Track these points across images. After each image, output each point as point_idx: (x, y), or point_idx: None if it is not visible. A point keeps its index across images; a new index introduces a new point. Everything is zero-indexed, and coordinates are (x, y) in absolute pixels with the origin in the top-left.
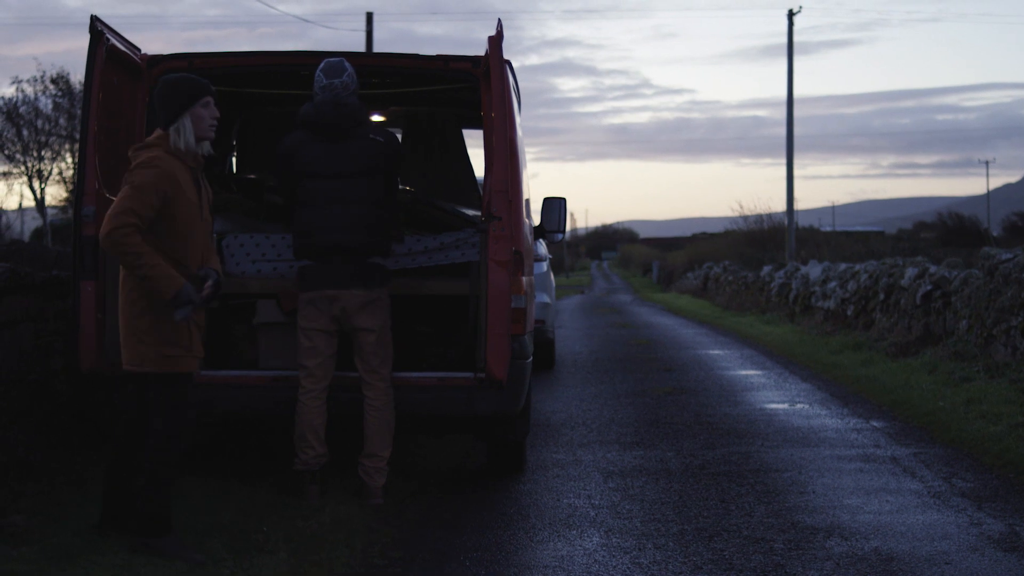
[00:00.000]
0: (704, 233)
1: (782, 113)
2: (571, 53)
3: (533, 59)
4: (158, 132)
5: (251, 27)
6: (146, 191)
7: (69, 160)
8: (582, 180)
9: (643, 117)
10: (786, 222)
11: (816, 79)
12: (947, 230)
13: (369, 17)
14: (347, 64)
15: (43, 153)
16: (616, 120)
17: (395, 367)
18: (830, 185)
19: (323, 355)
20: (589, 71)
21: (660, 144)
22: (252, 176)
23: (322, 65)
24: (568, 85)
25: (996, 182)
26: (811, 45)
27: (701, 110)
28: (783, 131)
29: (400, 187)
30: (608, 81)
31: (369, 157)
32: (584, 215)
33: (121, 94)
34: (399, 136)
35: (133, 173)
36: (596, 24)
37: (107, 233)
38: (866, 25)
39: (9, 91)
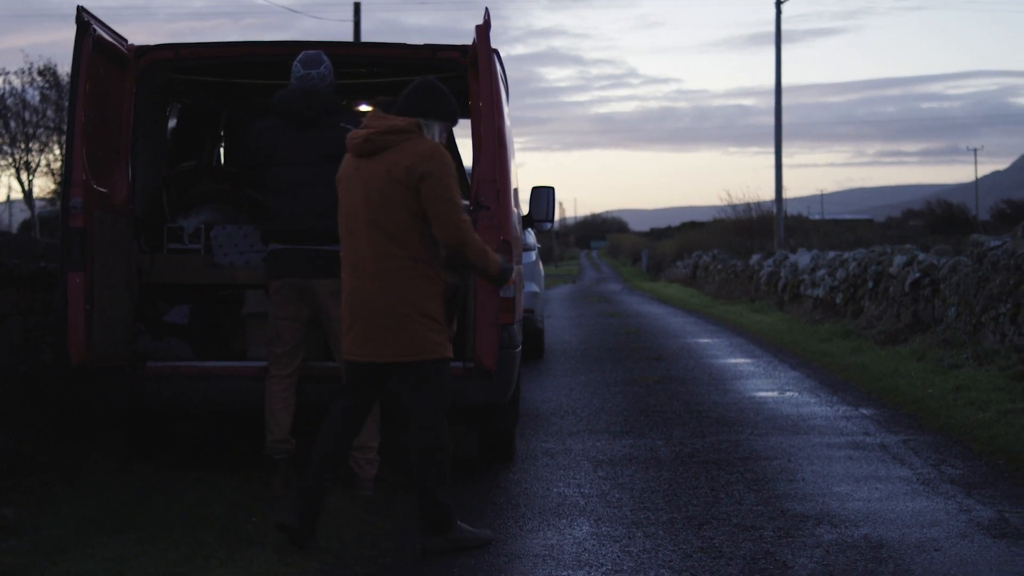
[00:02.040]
0: (693, 222)
1: (768, 102)
2: (557, 43)
3: (519, 49)
4: (405, 121)
5: (236, 18)
6: (453, 176)
7: (57, 152)
8: (569, 170)
9: (629, 106)
10: (774, 210)
11: (802, 67)
12: (936, 218)
13: (357, 7)
14: (324, 57)
15: (31, 145)
16: (603, 109)
17: None
18: (817, 173)
19: (290, 343)
20: (575, 61)
21: (647, 133)
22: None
23: (300, 56)
24: (554, 75)
25: (984, 170)
26: (797, 33)
27: (687, 99)
28: (770, 120)
29: None
30: (594, 71)
31: (337, 145)
32: (573, 204)
33: (108, 85)
34: None
35: (433, 161)
36: (582, 13)
37: (462, 241)
38: (852, 13)
39: None
